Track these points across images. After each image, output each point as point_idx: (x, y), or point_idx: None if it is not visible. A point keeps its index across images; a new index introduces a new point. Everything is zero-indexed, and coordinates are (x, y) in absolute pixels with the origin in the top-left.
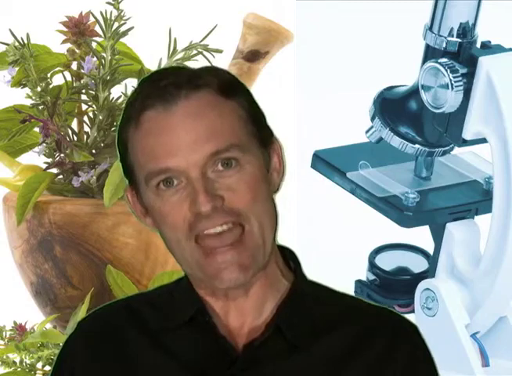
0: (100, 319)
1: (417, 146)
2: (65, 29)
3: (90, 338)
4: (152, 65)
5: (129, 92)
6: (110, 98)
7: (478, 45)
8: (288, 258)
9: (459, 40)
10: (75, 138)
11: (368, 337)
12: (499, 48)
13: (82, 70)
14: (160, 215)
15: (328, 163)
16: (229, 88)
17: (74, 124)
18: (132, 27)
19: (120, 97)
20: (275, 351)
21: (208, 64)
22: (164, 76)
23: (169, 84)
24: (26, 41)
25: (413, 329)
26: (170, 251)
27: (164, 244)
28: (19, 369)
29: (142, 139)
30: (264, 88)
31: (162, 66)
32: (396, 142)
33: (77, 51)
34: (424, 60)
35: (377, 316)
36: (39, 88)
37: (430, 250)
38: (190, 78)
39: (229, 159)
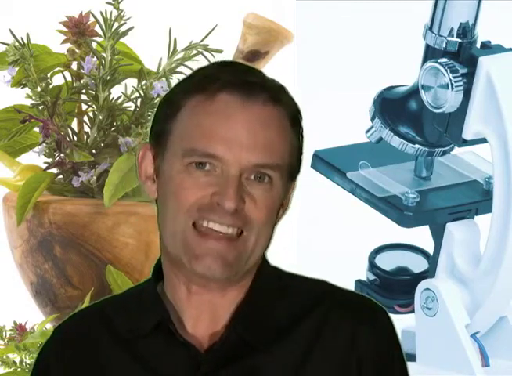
0: (74, 325)
1: (417, 146)
2: (65, 29)
3: (64, 344)
4: (152, 65)
5: (129, 92)
6: (110, 98)
7: (478, 45)
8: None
9: (459, 40)
10: (75, 138)
11: (331, 324)
12: (499, 48)
13: (82, 70)
14: (177, 187)
15: (328, 163)
16: (297, 119)
17: (74, 124)
18: (132, 27)
19: (120, 97)
20: (236, 353)
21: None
22: (249, 71)
23: (256, 82)
24: (26, 41)
25: (379, 312)
26: (160, 224)
27: (157, 216)
28: (19, 369)
29: (205, 115)
30: None
31: (162, 66)
32: (396, 142)
33: (77, 51)
34: (424, 60)
35: (343, 301)
36: (39, 88)
37: (430, 250)
38: (276, 88)
39: (265, 175)
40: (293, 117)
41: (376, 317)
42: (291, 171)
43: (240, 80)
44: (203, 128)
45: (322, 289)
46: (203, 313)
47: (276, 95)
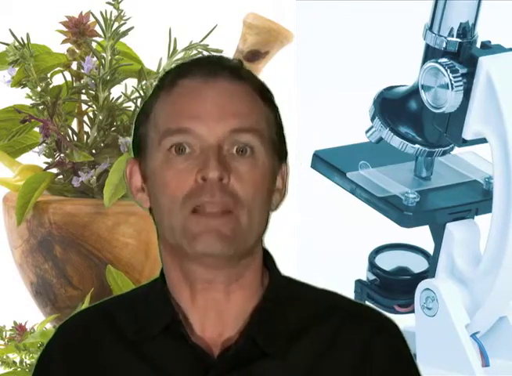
0: (77, 325)
1: (417, 146)
2: (65, 29)
3: (67, 346)
4: (152, 65)
5: (129, 92)
6: (110, 98)
7: (478, 45)
8: (265, 259)
9: (459, 40)
10: (75, 138)
11: (344, 334)
12: (499, 48)
13: (82, 70)
14: (162, 181)
15: (328, 163)
16: (267, 93)
17: (74, 124)
18: (132, 27)
19: (120, 97)
20: (249, 359)
21: None
22: (208, 57)
23: (213, 62)
24: (26, 41)
25: (390, 325)
26: (157, 223)
27: (152, 216)
28: (19, 369)
29: (171, 102)
30: None
31: (162, 66)
32: (396, 142)
33: (77, 51)
34: (424, 60)
35: (354, 313)
36: (39, 88)
37: (430, 250)
38: (236, 67)
39: (246, 145)
40: (262, 92)
41: (388, 329)
42: (274, 147)
43: (199, 64)
44: (172, 112)
45: (333, 299)
46: (209, 314)
47: (239, 73)
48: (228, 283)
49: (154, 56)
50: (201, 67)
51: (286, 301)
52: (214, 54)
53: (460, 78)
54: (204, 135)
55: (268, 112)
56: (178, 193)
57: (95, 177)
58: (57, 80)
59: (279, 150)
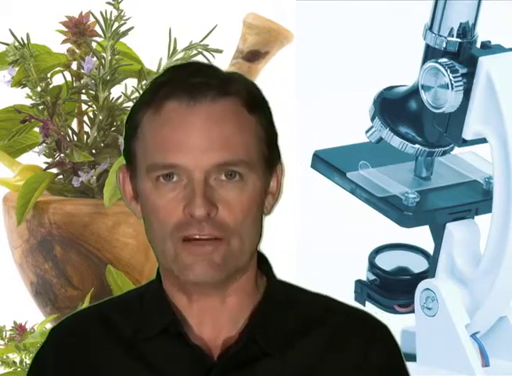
0: (72, 326)
1: (417, 146)
2: (65, 29)
3: (61, 348)
4: (152, 65)
5: (129, 92)
6: (110, 98)
7: (478, 45)
8: (260, 262)
9: (459, 40)
10: (75, 138)
11: (341, 338)
12: (499, 48)
13: (82, 70)
14: (152, 208)
15: (328, 163)
16: (255, 103)
17: (74, 124)
18: (132, 27)
19: (120, 97)
20: (250, 359)
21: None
22: (197, 72)
23: (200, 82)
24: (26, 41)
25: (386, 330)
26: (150, 241)
27: (146, 232)
28: (19, 369)
29: (156, 127)
30: (264, 88)
31: (162, 66)
32: (396, 142)
33: (77, 51)
34: (424, 60)
35: (351, 317)
36: (39, 88)
37: (430, 250)
38: (222, 82)
39: (234, 171)
40: (249, 102)
41: (385, 335)
42: (266, 159)
43: (185, 83)
44: (158, 141)
45: (329, 303)
46: (206, 319)
47: (224, 89)
48: (222, 293)
49: (154, 56)
50: (187, 88)
51: (285, 304)
52: (205, 61)
53: (460, 78)
54: (190, 168)
55: (257, 124)
56: (168, 221)
57: (95, 177)
58: (57, 80)
59: (269, 158)
